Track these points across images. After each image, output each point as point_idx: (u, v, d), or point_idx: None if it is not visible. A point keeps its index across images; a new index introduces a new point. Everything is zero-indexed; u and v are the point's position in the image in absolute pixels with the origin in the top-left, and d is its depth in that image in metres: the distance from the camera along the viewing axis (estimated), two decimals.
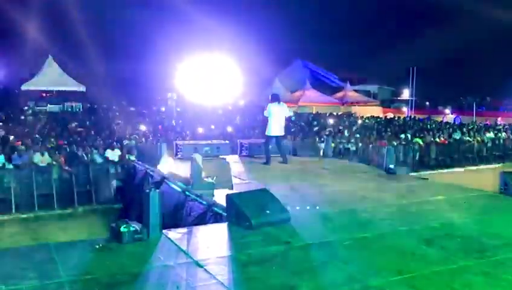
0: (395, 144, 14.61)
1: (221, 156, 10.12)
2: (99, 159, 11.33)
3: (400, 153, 13.86)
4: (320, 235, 4.90)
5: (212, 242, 4.69)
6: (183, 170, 7.93)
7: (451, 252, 4.46)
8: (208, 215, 5.89)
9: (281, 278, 3.79)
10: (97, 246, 4.40)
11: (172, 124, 19.58)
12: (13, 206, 9.81)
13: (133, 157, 11.14)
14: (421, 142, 16.04)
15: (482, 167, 15.86)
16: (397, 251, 4.49)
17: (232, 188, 6.89)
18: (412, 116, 31.20)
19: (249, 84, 27.52)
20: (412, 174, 9.57)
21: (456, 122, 28.38)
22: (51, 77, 27.27)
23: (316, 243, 4.65)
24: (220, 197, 6.03)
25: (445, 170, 14.78)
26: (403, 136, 17.35)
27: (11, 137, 13.18)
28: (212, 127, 17.77)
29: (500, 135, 20.13)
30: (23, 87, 27.22)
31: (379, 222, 5.50)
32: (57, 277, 3.69)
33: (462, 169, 15.23)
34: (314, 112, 30.55)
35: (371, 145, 14.80)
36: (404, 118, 29.84)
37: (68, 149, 11.63)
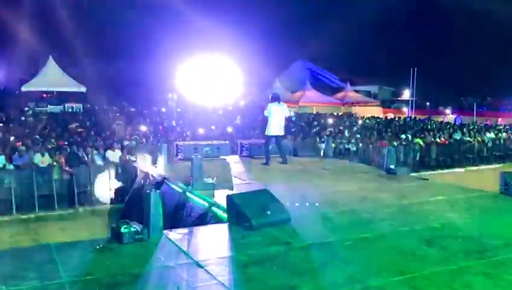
0: (396, 144, 14.61)
1: (221, 157, 10.12)
2: (99, 160, 11.34)
3: (401, 154, 13.84)
4: (320, 236, 4.90)
5: (212, 243, 4.69)
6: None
7: (452, 252, 4.45)
8: (208, 216, 5.90)
9: (281, 278, 3.79)
10: (98, 247, 4.41)
11: (173, 124, 19.59)
12: (14, 207, 9.82)
13: (133, 158, 11.14)
14: (422, 143, 16.04)
15: (482, 167, 15.85)
16: (398, 251, 4.48)
17: (232, 189, 6.89)
18: (413, 117, 31.20)
19: (250, 84, 27.55)
20: (413, 174, 9.56)
21: (457, 123, 28.37)
22: (51, 78, 27.29)
23: (317, 244, 4.65)
24: (220, 197, 6.03)
25: (446, 170, 14.78)
26: (403, 136, 17.34)
27: (12, 138, 13.20)
28: (213, 127, 17.77)
29: (500, 135, 20.12)
30: (24, 88, 27.24)
31: (379, 222, 5.50)
32: (58, 278, 3.69)
33: (462, 169, 15.22)
34: (314, 112, 30.56)
35: (371, 146, 14.81)
36: (405, 118, 29.84)
37: (68, 150, 11.64)
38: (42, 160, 10.65)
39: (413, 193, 7.29)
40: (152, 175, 8.68)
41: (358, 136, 17.09)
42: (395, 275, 3.87)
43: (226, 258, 4.29)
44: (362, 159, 12.46)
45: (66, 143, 12.77)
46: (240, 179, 8.04)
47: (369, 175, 8.92)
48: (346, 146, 14.83)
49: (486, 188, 7.53)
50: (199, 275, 3.83)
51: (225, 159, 9.95)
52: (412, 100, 34.93)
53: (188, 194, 6.67)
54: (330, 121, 23.63)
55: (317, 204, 6.27)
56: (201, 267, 3.98)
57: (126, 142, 13.04)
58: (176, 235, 4.85)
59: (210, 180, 6.81)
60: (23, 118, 19.49)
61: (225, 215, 5.46)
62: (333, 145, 12.91)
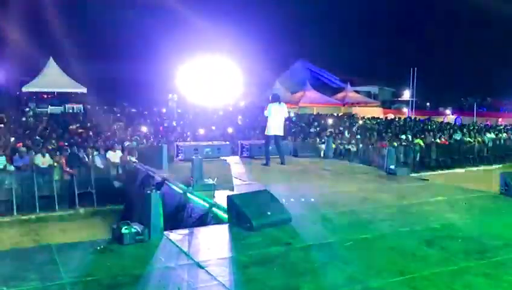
0: (396, 144, 14.62)
1: (222, 157, 10.13)
2: (100, 161, 11.35)
3: (401, 154, 13.85)
4: (321, 236, 4.91)
5: (213, 243, 4.70)
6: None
7: (452, 253, 4.46)
8: (209, 217, 5.90)
9: (282, 279, 3.79)
10: (98, 248, 4.41)
11: (173, 125, 19.61)
12: (14, 208, 9.83)
13: (133, 159, 11.15)
14: (422, 143, 16.04)
15: (482, 167, 15.85)
16: (398, 251, 4.49)
17: (232, 189, 6.90)
18: (413, 117, 31.21)
19: (250, 85, 27.58)
20: (413, 175, 9.57)
21: (457, 123, 28.37)
22: (52, 79, 27.35)
23: (317, 244, 4.66)
24: (220, 198, 6.04)
25: (446, 171, 14.79)
26: (403, 137, 17.35)
27: (12, 139, 13.21)
28: (213, 128, 17.79)
29: (501, 135, 20.13)
30: (24, 89, 27.28)
31: (380, 222, 5.50)
32: (58, 279, 3.70)
33: (462, 170, 15.22)
34: (314, 113, 30.57)
35: (371, 146, 14.82)
36: (405, 118, 29.85)
37: (69, 150, 11.65)
38: (43, 161, 10.65)
39: (413, 193, 7.30)
40: (152, 176, 8.69)
41: (359, 136, 17.10)
42: (395, 275, 3.87)
43: (227, 259, 4.30)
44: (362, 160, 12.47)
45: (66, 144, 12.78)
46: (240, 179, 8.05)
47: (369, 176, 8.93)
48: (347, 147, 14.83)
49: (487, 189, 7.53)
50: (200, 276, 3.84)
51: (225, 160, 9.96)
52: (412, 101, 34.94)
53: (188, 194, 6.67)
54: (330, 121, 23.64)
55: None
56: (202, 268, 3.99)
57: (127, 143, 13.05)
58: (176, 236, 4.86)
59: (210, 181, 6.82)
60: (23, 119, 19.52)
61: (226, 216, 5.46)
62: (333, 145, 12.92)
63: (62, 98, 28.18)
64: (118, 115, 22.69)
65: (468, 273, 3.96)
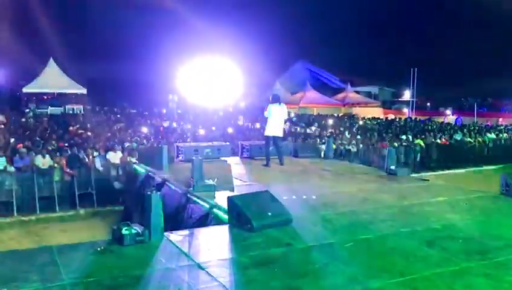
0: (396, 145, 14.61)
1: (222, 158, 10.12)
2: (100, 163, 11.34)
3: (401, 155, 13.85)
4: (321, 237, 4.91)
5: (213, 244, 4.70)
6: None
7: (453, 253, 4.45)
8: (209, 218, 5.89)
9: (282, 280, 3.79)
10: (99, 249, 4.41)
11: (173, 125, 19.61)
12: (15, 209, 9.84)
13: (134, 160, 11.15)
14: (422, 144, 16.04)
15: (483, 168, 15.84)
16: (398, 252, 4.48)
17: (233, 190, 6.89)
18: (413, 118, 31.21)
19: (250, 86, 27.58)
20: (413, 175, 9.56)
21: (458, 124, 28.37)
22: (52, 80, 27.37)
23: (318, 245, 4.65)
24: (221, 199, 6.03)
25: (446, 171, 14.78)
26: (404, 137, 17.35)
27: (12, 139, 13.21)
28: (213, 128, 17.80)
29: (501, 135, 20.13)
30: (24, 90, 27.29)
31: (380, 223, 5.50)
32: (59, 280, 3.69)
33: (463, 170, 15.21)
34: (315, 114, 30.58)
35: (371, 147, 14.82)
36: (405, 119, 29.86)
37: (69, 151, 11.65)
38: (43, 162, 10.65)
39: (414, 193, 7.29)
40: (153, 176, 8.69)
41: (359, 137, 17.10)
42: (395, 276, 3.87)
43: (227, 259, 4.29)
44: (363, 160, 12.47)
45: (66, 145, 12.78)
46: (240, 180, 8.05)
47: (370, 176, 8.92)
48: (347, 147, 14.83)
49: (487, 189, 7.52)
50: (200, 277, 3.83)
51: (226, 161, 9.95)
52: (412, 101, 34.95)
53: (188, 195, 6.67)
54: (330, 122, 23.65)
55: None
56: (203, 269, 3.99)
57: (127, 144, 13.06)
58: (176, 237, 4.85)
59: (211, 182, 6.82)
60: (23, 120, 19.53)
61: (226, 217, 5.46)
62: (334, 146, 12.91)
63: (62, 99, 28.19)
64: (118, 115, 22.70)
65: (469, 273, 3.95)
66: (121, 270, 3.92)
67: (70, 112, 25.83)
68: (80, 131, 16.37)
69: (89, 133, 15.62)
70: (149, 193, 4.90)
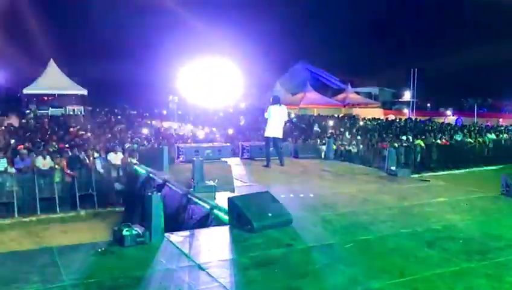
0: (397, 145, 14.61)
1: (222, 159, 10.13)
2: (101, 165, 11.34)
3: (401, 155, 13.86)
4: (322, 238, 4.91)
5: (214, 245, 4.70)
6: None
7: (453, 254, 4.45)
8: (210, 218, 5.89)
9: (283, 281, 3.79)
10: (99, 250, 4.41)
11: (174, 126, 19.63)
12: (16, 210, 9.84)
13: (134, 161, 11.16)
14: (423, 144, 16.03)
15: (483, 168, 15.84)
16: (399, 253, 4.48)
17: (233, 191, 6.89)
18: (413, 118, 31.20)
19: (250, 86, 27.60)
20: (414, 176, 9.55)
21: (458, 124, 28.36)
22: (52, 81, 27.41)
23: (318, 246, 4.65)
24: (221, 200, 6.03)
25: (447, 172, 14.78)
26: (404, 137, 17.35)
27: (13, 141, 13.22)
28: (214, 129, 17.80)
29: (501, 136, 20.13)
30: (25, 91, 27.32)
31: (380, 224, 5.50)
32: (60, 281, 3.70)
33: (463, 171, 15.21)
34: (315, 114, 30.58)
35: (372, 147, 14.82)
36: (406, 119, 29.86)
37: (70, 153, 11.66)
38: (44, 163, 10.66)
39: (414, 194, 7.29)
40: (153, 177, 8.70)
41: (359, 137, 17.10)
42: (396, 277, 3.87)
43: (228, 260, 4.29)
44: (363, 161, 12.46)
45: (67, 146, 12.79)
46: (241, 181, 8.05)
47: (370, 177, 8.92)
48: (347, 148, 14.83)
49: (488, 190, 7.52)
50: (201, 278, 3.84)
51: (226, 161, 9.95)
52: (412, 101, 34.95)
53: (189, 196, 6.67)
54: (331, 122, 23.66)
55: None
56: (203, 269, 3.99)
57: (127, 145, 13.06)
58: (177, 237, 4.86)
59: (211, 183, 6.82)
60: (24, 121, 19.55)
61: (226, 218, 5.46)
62: (334, 147, 12.91)
63: (62, 100, 28.23)
64: (119, 117, 22.72)
65: (470, 274, 3.95)
66: (121, 271, 3.92)
67: (71, 113, 25.87)
68: (80, 132, 16.38)
69: (90, 135, 15.63)
70: (150, 193, 4.90)
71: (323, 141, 14.43)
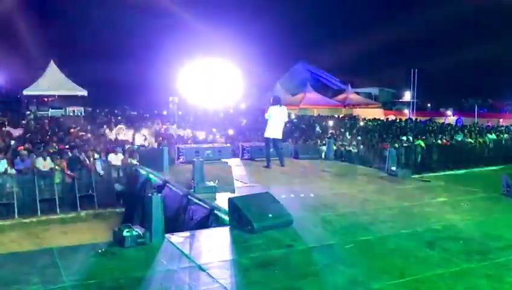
0: (397, 146, 14.60)
1: (222, 160, 10.13)
2: (101, 166, 11.35)
3: (402, 155, 13.85)
4: (322, 239, 4.91)
5: (214, 246, 4.70)
6: None
7: (454, 254, 4.45)
8: (210, 219, 5.89)
9: (283, 281, 3.79)
10: (100, 251, 4.41)
11: (174, 127, 19.62)
12: (16, 211, 9.84)
13: (134, 161, 11.16)
14: (423, 144, 16.02)
15: (484, 168, 15.81)
16: (399, 253, 4.48)
17: (234, 192, 6.89)
18: (414, 118, 31.19)
19: (250, 87, 27.61)
20: (414, 176, 9.54)
21: (458, 124, 28.36)
22: (53, 82, 27.41)
23: (318, 246, 4.66)
24: (222, 200, 6.04)
25: (447, 172, 14.76)
26: (404, 138, 17.34)
27: (13, 142, 13.22)
28: (214, 130, 17.80)
29: (502, 136, 20.11)
30: (25, 92, 27.32)
31: (381, 224, 5.50)
32: (60, 282, 3.70)
33: (464, 171, 15.19)
34: (315, 115, 30.57)
35: (372, 148, 14.81)
36: (406, 120, 29.84)
37: (70, 154, 11.66)
38: (44, 164, 10.66)
39: (415, 194, 7.29)
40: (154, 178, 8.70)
41: (359, 138, 17.10)
42: (396, 277, 3.87)
43: (228, 261, 4.29)
44: (363, 161, 12.45)
45: (67, 147, 12.79)
46: (241, 181, 8.05)
47: (370, 177, 8.92)
48: (348, 148, 14.82)
49: (488, 190, 7.52)
50: (201, 279, 3.84)
51: (226, 162, 9.95)
52: (413, 102, 34.92)
53: (189, 197, 6.67)
54: (331, 123, 23.65)
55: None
56: (204, 270, 3.99)
57: (127, 146, 13.06)
58: (177, 238, 4.86)
59: (211, 184, 6.82)
60: (24, 122, 19.55)
61: (227, 219, 5.46)
62: (334, 147, 12.91)
63: (63, 101, 28.24)
64: (119, 117, 22.72)
65: (470, 274, 3.95)
66: (122, 272, 3.92)
67: (71, 114, 25.87)
68: (80, 133, 16.38)
69: (90, 136, 15.63)
70: (150, 194, 4.90)
71: (324, 142, 14.43)
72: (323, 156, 12.11)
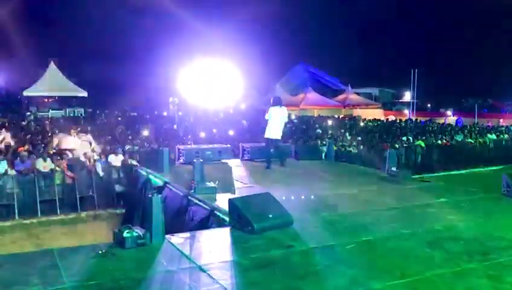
0: (397, 146, 14.60)
1: (223, 160, 10.12)
2: (101, 168, 11.33)
3: (402, 156, 13.82)
4: (322, 239, 4.90)
5: (214, 247, 4.70)
6: None
7: (455, 254, 4.45)
8: (211, 220, 5.89)
9: (283, 282, 3.79)
10: (100, 252, 4.41)
11: (174, 128, 19.62)
12: (16, 212, 9.82)
13: (135, 162, 11.16)
14: (423, 145, 16.01)
15: (484, 169, 15.80)
16: (400, 254, 4.48)
17: (234, 192, 6.90)
18: (414, 119, 31.18)
19: (250, 88, 27.60)
20: (414, 176, 9.54)
21: (459, 125, 28.35)
22: (53, 83, 27.38)
23: (319, 247, 4.65)
24: (222, 201, 6.04)
25: (448, 172, 14.74)
26: (404, 138, 17.33)
27: (13, 143, 13.21)
28: (214, 131, 17.80)
29: (502, 136, 20.11)
30: (25, 93, 27.31)
31: (381, 225, 5.50)
32: (60, 283, 3.70)
33: (464, 171, 15.18)
34: (315, 115, 30.56)
35: (372, 148, 14.79)
36: (406, 120, 29.83)
37: (70, 154, 11.65)
38: (44, 165, 10.65)
39: (415, 195, 7.29)
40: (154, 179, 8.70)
41: (360, 138, 17.09)
42: (397, 277, 3.86)
43: (229, 262, 4.29)
44: (363, 162, 12.44)
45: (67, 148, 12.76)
46: (241, 182, 8.05)
47: (371, 178, 8.92)
48: (348, 149, 14.81)
49: (488, 190, 7.52)
50: (202, 279, 3.83)
51: (227, 163, 9.95)
52: (413, 102, 34.90)
53: (189, 198, 6.67)
54: (331, 123, 23.64)
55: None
56: (204, 271, 3.99)
57: (128, 147, 13.06)
58: (178, 239, 4.86)
59: (212, 184, 6.82)
60: (24, 123, 19.54)
61: (227, 219, 5.46)
62: (334, 148, 12.90)
63: (63, 102, 28.23)
64: (119, 118, 22.72)
65: (471, 275, 3.95)
66: (122, 273, 3.92)
67: (71, 115, 25.85)
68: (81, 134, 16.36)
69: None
70: (150, 195, 4.90)
71: (324, 142, 14.42)
72: (323, 156, 12.11)
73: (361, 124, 24.81)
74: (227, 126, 19.46)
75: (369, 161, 12.62)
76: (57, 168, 10.70)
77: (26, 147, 12.21)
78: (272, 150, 9.65)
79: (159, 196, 4.97)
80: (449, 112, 36.69)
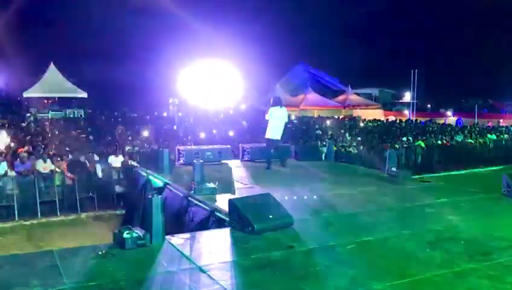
0: (397, 146, 14.60)
1: (223, 161, 10.12)
2: (101, 167, 11.33)
3: (402, 156, 13.83)
4: (323, 240, 4.90)
5: (215, 247, 4.69)
6: None
7: (455, 255, 4.44)
8: (211, 221, 5.89)
9: (284, 283, 3.78)
10: (100, 253, 4.41)
11: (174, 129, 19.62)
12: (16, 213, 9.83)
13: (135, 163, 11.16)
14: (423, 145, 16.01)
15: (484, 169, 15.79)
16: (400, 254, 4.48)
17: (234, 193, 6.89)
18: (414, 119, 31.18)
19: (250, 88, 27.59)
20: (414, 177, 9.54)
21: (459, 125, 28.36)
22: (53, 84, 27.39)
23: (319, 247, 4.65)
24: (222, 202, 6.03)
25: (448, 173, 14.74)
26: (404, 139, 17.33)
27: (13, 144, 13.21)
28: (214, 131, 17.80)
29: (502, 136, 20.11)
30: (25, 94, 27.32)
31: (382, 225, 5.49)
32: (61, 284, 3.69)
33: (464, 171, 15.17)
34: (315, 116, 30.57)
35: (372, 149, 14.79)
36: (406, 120, 29.83)
37: (70, 156, 11.66)
38: (44, 166, 10.65)
39: (415, 195, 7.28)
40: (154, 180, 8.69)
41: (360, 139, 17.09)
42: (398, 278, 3.86)
43: (229, 262, 4.29)
44: (364, 162, 12.43)
45: (67, 149, 12.78)
46: (241, 183, 8.04)
47: (371, 178, 8.91)
48: (348, 149, 14.82)
49: (489, 190, 7.51)
50: (202, 280, 3.83)
51: (227, 164, 9.94)
52: (413, 102, 34.92)
53: (189, 198, 6.66)
54: (330, 124, 23.64)
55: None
56: (204, 272, 3.98)
57: (128, 148, 13.06)
58: (178, 240, 4.85)
59: (212, 185, 6.82)
60: (24, 124, 19.54)
61: (227, 220, 5.46)
62: (334, 148, 12.90)
63: (63, 103, 28.24)
64: (119, 119, 22.74)
65: (472, 275, 3.94)
66: (122, 274, 3.91)
67: (71, 116, 25.86)
68: (81, 135, 16.38)
69: (90, 137, 15.63)
70: (150, 196, 4.90)
71: (324, 143, 14.42)
72: (323, 157, 12.11)
73: (361, 124, 24.83)
74: (227, 127, 19.46)
75: (369, 162, 12.62)
76: (57, 169, 10.70)
77: (26, 148, 12.22)
78: (272, 150, 9.64)
79: (159, 196, 4.97)
80: (449, 112, 36.69)
